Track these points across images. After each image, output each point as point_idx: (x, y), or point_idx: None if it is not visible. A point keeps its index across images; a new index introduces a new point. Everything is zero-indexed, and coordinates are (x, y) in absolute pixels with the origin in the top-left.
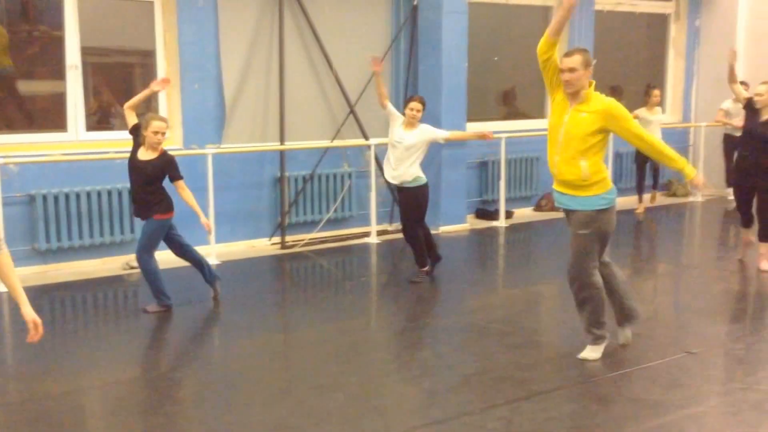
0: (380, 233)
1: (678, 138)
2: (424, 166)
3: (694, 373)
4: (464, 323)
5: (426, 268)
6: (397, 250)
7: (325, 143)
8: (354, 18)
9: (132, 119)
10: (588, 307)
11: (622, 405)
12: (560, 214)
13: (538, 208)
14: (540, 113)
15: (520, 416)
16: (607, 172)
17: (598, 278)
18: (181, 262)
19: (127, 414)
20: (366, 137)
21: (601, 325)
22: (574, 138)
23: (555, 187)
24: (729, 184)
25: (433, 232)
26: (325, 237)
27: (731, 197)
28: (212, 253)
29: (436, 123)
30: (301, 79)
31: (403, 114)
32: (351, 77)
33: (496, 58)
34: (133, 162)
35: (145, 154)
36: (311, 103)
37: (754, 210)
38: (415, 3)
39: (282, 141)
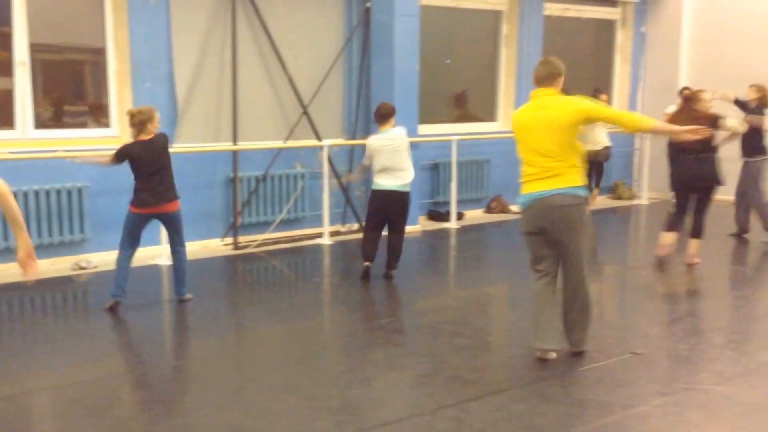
0: (333, 234)
1: (624, 142)
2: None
3: (638, 374)
4: (416, 324)
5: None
6: (350, 251)
7: (278, 144)
8: (307, 19)
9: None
10: (588, 310)
11: (569, 405)
12: (510, 216)
13: (489, 210)
14: (491, 116)
15: (471, 416)
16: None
17: (534, 286)
18: (136, 263)
19: (76, 417)
20: (319, 138)
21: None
22: (549, 134)
23: (532, 189)
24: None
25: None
26: (278, 238)
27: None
28: (164, 253)
29: None
30: (255, 79)
31: None
32: (304, 78)
33: (447, 61)
34: (137, 154)
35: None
36: (264, 103)
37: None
38: (367, 5)
39: (235, 141)
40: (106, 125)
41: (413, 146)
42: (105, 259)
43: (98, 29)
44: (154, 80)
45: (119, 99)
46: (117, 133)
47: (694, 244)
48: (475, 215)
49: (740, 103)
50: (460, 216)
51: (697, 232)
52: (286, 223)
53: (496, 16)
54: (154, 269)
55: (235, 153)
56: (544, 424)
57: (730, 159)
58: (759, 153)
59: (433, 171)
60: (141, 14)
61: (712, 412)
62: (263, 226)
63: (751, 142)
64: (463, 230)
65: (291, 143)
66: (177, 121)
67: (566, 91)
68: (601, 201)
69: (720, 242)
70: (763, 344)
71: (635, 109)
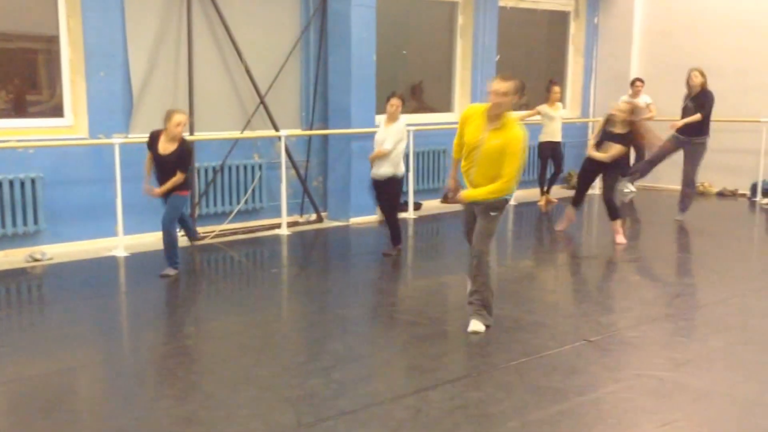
0: (291, 224)
1: (577, 132)
2: (334, 158)
3: (592, 361)
4: (374, 314)
5: (399, 246)
6: (308, 241)
7: (235, 134)
8: (263, 9)
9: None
10: (479, 280)
11: (525, 392)
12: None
13: (445, 200)
14: (447, 107)
15: (428, 405)
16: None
17: (492, 259)
18: (87, 255)
19: (29, 411)
20: (276, 128)
21: (487, 303)
22: (488, 160)
23: (468, 185)
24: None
25: (343, 223)
26: (236, 228)
27: (627, 190)
28: (120, 245)
29: (346, 116)
30: (211, 68)
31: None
32: (261, 68)
33: (404, 52)
34: (156, 157)
35: (165, 147)
36: (221, 93)
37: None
38: None
39: (191, 131)
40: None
41: (369, 137)
42: (59, 251)
43: (51, 17)
44: (108, 69)
45: (72, 88)
46: (71, 123)
47: (615, 225)
48: (433, 205)
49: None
50: (417, 206)
51: (613, 216)
52: (244, 214)
53: (451, 7)
54: (111, 260)
55: (192, 143)
56: (500, 411)
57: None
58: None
59: None
60: (94, 2)
61: (663, 397)
62: (221, 216)
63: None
64: (421, 220)
65: (248, 134)
66: (132, 110)
67: (521, 83)
68: (555, 191)
69: (667, 230)
70: (713, 330)
71: (588, 99)
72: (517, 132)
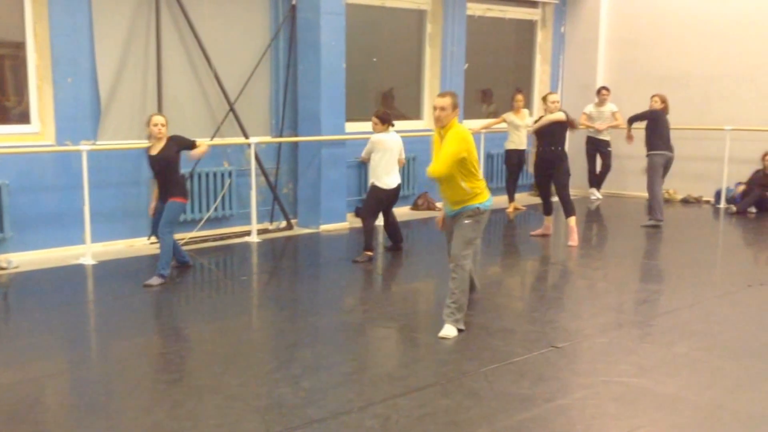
0: (261, 232)
1: None
2: (304, 165)
3: (560, 367)
4: (344, 321)
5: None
6: (278, 248)
7: (204, 141)
8: (232, 15)
9: None
10: (455, 284)
11: (493, 399)
12: (436, 213)
13: (416, 207)
14: (417, 114)
15: (397, 413)
16: (484, 186)
17: (470, 264)
18: (54, 263)
19: None
20: (246, 136)
21: (462, 308)
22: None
23: (445, 206)
24: (591, 184)
25: (313, 230)
26: (206, 236)
27: (594, 197)
28: (88, 252)
29: (316, 123)
30: (180, 75)
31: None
32: (230, 75)
33: (374, 59)
34: (151, 161)
35: (154, 148)
36: (190, 100)
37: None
38: (293, 2)
39: None
40: None
41: (339, 144)
42: (26, 258)
43: (18, 23)
44: (76, 75)
45: (39, 94)
46: (37, 129)
47: (571, 222)
48: (402, 212)
49: None
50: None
51: (568, 213)
52: (214, 221)
53: (420, 15)
54: (79, 268)
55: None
56: (468, 419)
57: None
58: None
59: (361, 168)
60: (61, 7)
61: (630, 403)
62: (190, 224)
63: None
64: None
65: (218, 141)
66: (100, 117)
67: (489, 91)
68: (522, 198)
69: (633, 236)
70: (678, 336)
71: None
72: (457, 128)
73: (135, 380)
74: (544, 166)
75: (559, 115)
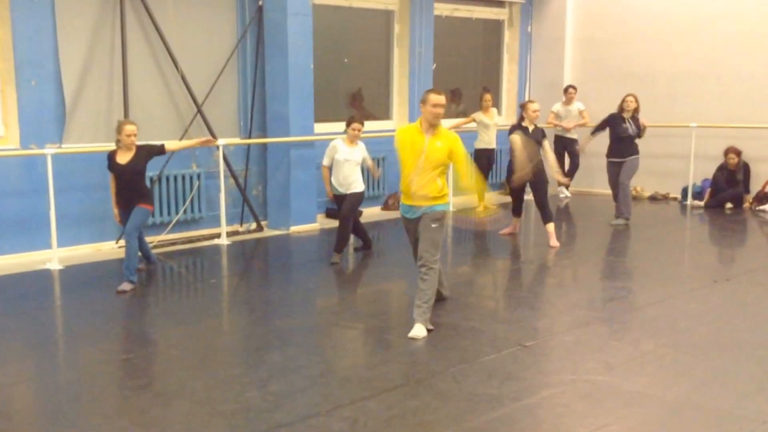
0: (231, 234)
1: None
2: (274, 166)
3: (528, 366)
4: (313, 323)
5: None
6: (248, 251)
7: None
8: (198, 16)
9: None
10: (426, 285)
11: (461, 400)
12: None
13: (386, 207)
14: (386, 115)
15: (365, 415)
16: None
17: (439, 266)
18: (20, 268)
19: None
20: (214, 137)
21: (429, 308)
22: (433, 162)
23: (408, 202)
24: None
25: (283, 232)
26: (175, 239)
27: (563, 195)
28: (54, 257)
29: (284, 124)
30: (146, 77)
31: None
32: (198, 76)
33: (346, 60)
34: (118, 169)
35: (122, 157)
36: (157, 102)
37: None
38: (260, 3)
39: None
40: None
41: (308, 145)
42: None
43: None
44: (40, 78)
45: (2, 98)
46: (1, 133)
47: (549, 228)
48: (373, 212)
49: None
50: (358, 213)
51: (546, 219)
52: (183, 224)
53: (388, 15)
54: (45, 273)
55: None
56: (436, 419)
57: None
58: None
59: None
60: (23, 10)
61: (597, 401)
62: (159, 227)
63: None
64: None
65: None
66: (65, 120)
67: (458, 90)
68: (492, 197)
69: (601, 234)
70: (645, 333)
71: None
72: (454, 135)
73: (100, 386)
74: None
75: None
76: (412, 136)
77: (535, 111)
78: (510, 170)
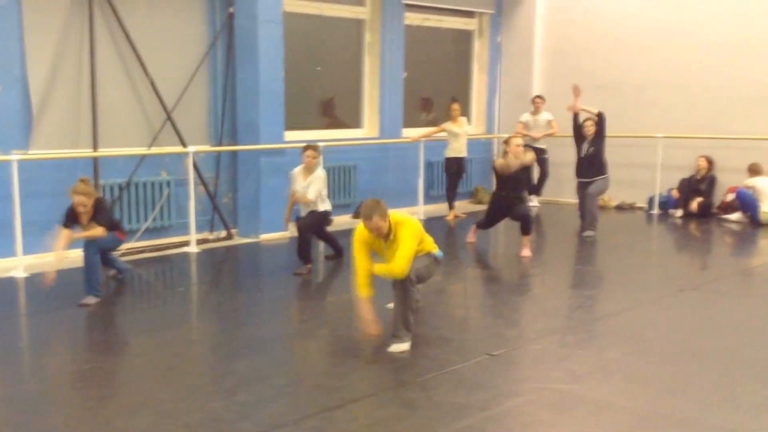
0: (200, 242)
1: (482, 149)
2: (244, 174)
3: (495, 375)
4: (282, 333)
5: (309, 265)
6: (218, 259)
7: (141, 150)
8: (168, 23)
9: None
10: (406, 303)
11: (429, 409)
12: None
13: (356, 215)
14: (357, 123)
15: (332, 425)
16: (432, 244)
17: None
18: None
19: None
20: (184, 144)
21: (408, 326)
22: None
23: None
24: (530, 191)
25: (253, 240)
26: (144, 247)
27: (532, 204)
28: (19, 265)
29: (255, 131)
30: (115, 83)
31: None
32: (167, 83)
33: (318, 68)
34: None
35: (84, 220)
36: (126, 108)
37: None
38: (230, 10)
39: (95, 147)
40: None
41: (279, 153)
42: None
43: None
44: (5, 83)
45: None
46: None
47: (524, 240)
48: (344, 221)
49: None
50: (328, 222)
51: (525, 232)
52: (152, 232)
53: (359, 24)
54: (10, 281)
55: (95, 159)
56: (404, 429)
57: None
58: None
59: None
60: None
61: (563, 410)
62: (128, 235)
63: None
64: None
65: (155, 150)
66: (32, 126)
67: (429, 99)
68: (462, 206)
69: (569, 243)
70: (610, 342)
71: (493, 116)
72: (406, 225)
73: (64, 397)
74: (501, 207)
75: (530, 157)
76: (371, 241)
77: (518, 146)
78: (495, 207)
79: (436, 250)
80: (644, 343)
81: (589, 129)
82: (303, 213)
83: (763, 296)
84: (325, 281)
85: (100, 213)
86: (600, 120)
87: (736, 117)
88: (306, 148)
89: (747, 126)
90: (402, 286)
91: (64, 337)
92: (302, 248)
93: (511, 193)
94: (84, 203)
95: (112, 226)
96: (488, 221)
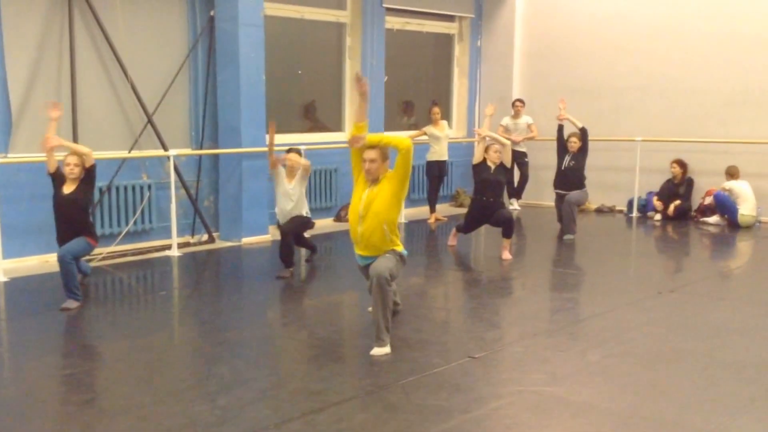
0: (182, 245)
1: (464, 152)
2: (225, 177)
3: (476, 378)
4: (263, 336)
5: (292, 268)
6: (200, 262)
7: (122, 154)
8: (149, 25)
9: (53, 163)
10: (385, 305)
11: (410, 412)
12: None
13: (338, 218)
14: (338, 126)
15: (314, 429)
16: (399, 242)
17: (393, 289)
18: None
19: None
20: (165, 148)
21: (388, 329)
22: (375, 211)
23: (359, 251)
24: (510, 195)
25: (235, 244)
26: (125, 250)
27: (512, 207)
28: None
29: (236, 135)
30: (95, 86)
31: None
32: (148, 86)
33: (300, 72)
34: (59, 198)
35: (67, 188)
36: (106, 111)
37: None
38: (211, 13)
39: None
40: None
41: (260, 156)
42: None
43: None
44: None
45: None
46: None
47: (505, 243)
48: (325, 224)
49: None
50: (311, 226)
51: (506, 234)
52: (133, 235)
53: (340, 28)
54: None
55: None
56: None
57: None
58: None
59: None
60: None
61: (544, 412)
62: (109, 238)
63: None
64: (313, 239)
65: (136, 153)
66: (11, 129)
67: (410, 103)
68: (443, 209)
69: (549, 246)
70: (591, 344)
71: (473, 119)
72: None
73: (43, 402)
74: (482, 213)
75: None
76: (358, 186)
77: (497, 152)
78: (474, 214)
79: (401, 248)
80: (624, 345)
81: (574, 145)
82: (284, 219)
83: (741, 298)
84: (306, 284)
85: (88, 184)
86: (583, 136)
87: (713, 120)
88: (288, 151)
89: (724, 129)
90: (379, 289)
91: (44, 342)
92: (285, 252)
93: (492, 198)
94: (76, 163)
95: (86, 229)
96: (468, 227)
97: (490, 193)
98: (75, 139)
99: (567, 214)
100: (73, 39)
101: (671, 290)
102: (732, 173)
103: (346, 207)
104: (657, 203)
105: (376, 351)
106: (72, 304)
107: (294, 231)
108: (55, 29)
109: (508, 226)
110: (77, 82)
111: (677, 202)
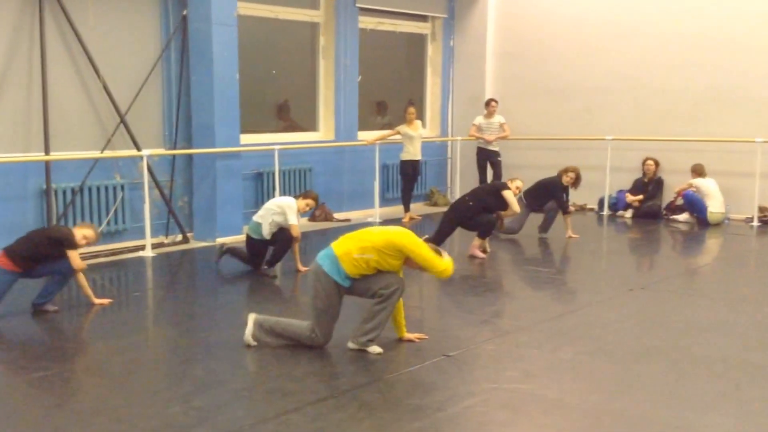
0: (156, 246)
1: (437, 151)
2: (199, 177)
3: (450, 376)
4: (238, 336)
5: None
6: (174, 263)
7: (94, 154)
8: (121, 24)
9: None
10: (388, 310)
11: (386, 411)
12: (334, 224)
13: (313, 218)
14: (312, 126)
15: (290, 429)
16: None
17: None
18: None
19: None
20: (138, 148)
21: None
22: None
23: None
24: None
25: (209, 243)
26: (98, 251)
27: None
28: None
29: (210, 135)
30: (67, 86)
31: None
32: (121, 86)
33: (273, 72)
34: None
35: None
36: (78, 111)
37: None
38: (184, 13)
39: (47, 151)
40: None
41: (234, 156)
42: None
43: None
44: None
45: None
46: None
47: (476, 242)
48: (301, 223)
49: None
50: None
51: (483, 235)
52: (107, 236)
53: (313, 27)
54: None
55: (47, 163)
56: (361, 431)
57: None
58: None
59: (257, 180)
60: None
61: (517, 409)
62: None
63: None
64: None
65: (108, 153)
66: None
67: (384, 103)
68: (417, 208)
69: (521, 244)
70: (563, 341)
71: (447, 119)
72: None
73: (13, 406)
74: (463, 215)
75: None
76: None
77: (518, 188)
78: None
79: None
80: (596, 342)
81: (569, 179)
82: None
83: (710, 295)
84: (281, 285)
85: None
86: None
87: (682, 120)
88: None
89: (692, 128)
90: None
91: (13, 344)
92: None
93: (477, 204)
94: (90, 242)
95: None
96: (441, 236)
97: (477, 200)
98: (46, 140)
99: (550, 218)
100: (44, 38)
101: (642, 287)
102: (698, 171)
103: (320, 207)
104: (631, 199)
105: (372, 349)
106: (50, 306)
107: (288, 240)
108: (26, 28)
109: (487, 228)
110: (48, 81)
111: (642, 197)
